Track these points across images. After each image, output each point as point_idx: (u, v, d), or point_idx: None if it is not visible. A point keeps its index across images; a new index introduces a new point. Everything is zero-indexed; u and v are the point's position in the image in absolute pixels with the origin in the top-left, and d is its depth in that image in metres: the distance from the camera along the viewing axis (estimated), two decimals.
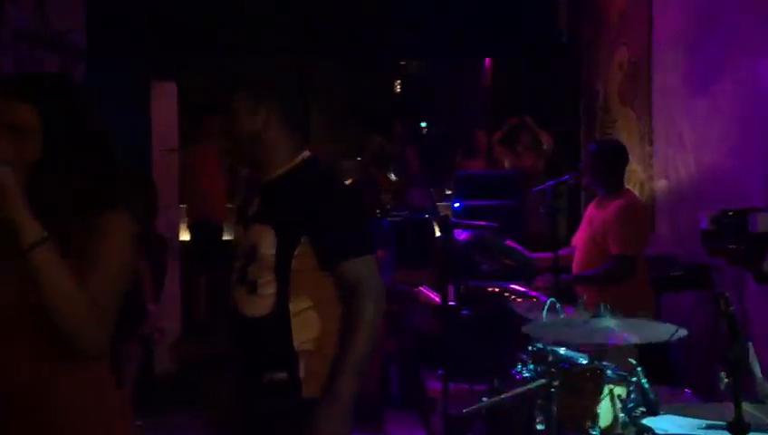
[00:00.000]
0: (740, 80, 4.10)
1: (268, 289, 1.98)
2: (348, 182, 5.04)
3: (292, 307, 1.98)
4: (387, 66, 9.42)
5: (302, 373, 1.99)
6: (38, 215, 1.47)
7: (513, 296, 3.73)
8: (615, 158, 3.96)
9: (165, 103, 6.00)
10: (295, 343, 1.98)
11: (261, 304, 1.98)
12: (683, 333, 2.06)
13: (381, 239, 4.80)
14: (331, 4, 7.13)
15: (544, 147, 6.90)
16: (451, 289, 4.19)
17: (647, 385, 2.25)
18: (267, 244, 1.96)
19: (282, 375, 1.99)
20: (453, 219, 4.38)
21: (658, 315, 4.10)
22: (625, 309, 3.22)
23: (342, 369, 1.92)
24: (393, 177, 5.50)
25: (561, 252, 4.01)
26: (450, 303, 4.08)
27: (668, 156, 4.98)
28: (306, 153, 2.08)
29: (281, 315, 1.98)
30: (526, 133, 6.99)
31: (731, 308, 1.46)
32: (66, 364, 1.55)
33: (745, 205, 3.61)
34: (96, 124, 1.66)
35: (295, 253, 1.96)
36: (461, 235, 4.39)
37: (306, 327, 2.00)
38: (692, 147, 4.66)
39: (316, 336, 2.00)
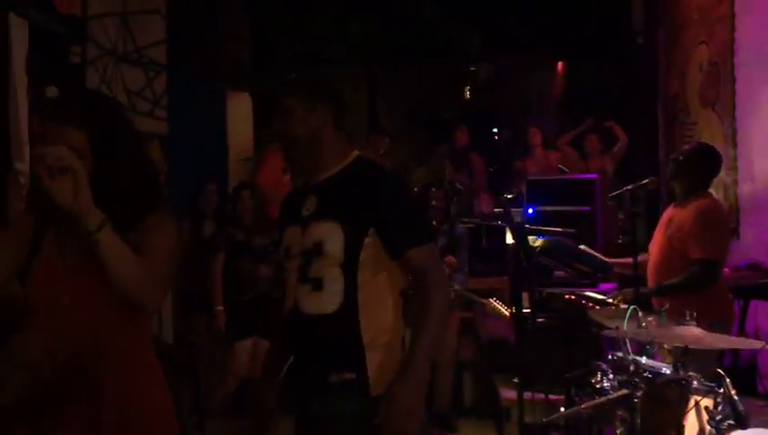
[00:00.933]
0: None
1: (336, 285, 1.99)
2: (416, 189, 5.03)
3: (361, 300, 2.00)
4: (456, 72, 9.37)
5: (370, 371, 1.99)
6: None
7: (590, 304, 3.63)
8: (711, 162, 3.75)
9: (240, 113, 6.15)
10: (365, 339, 2.00)
11: (328, 300, 1.99)
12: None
13: (452, 245, 4.77)
14: (399, 12, 7.16)
15: (615, 149, 6.73)
16: (526, 296, 4.13)
17: (735, 396, 2.15)
18: (335, 239, 1.98)
19: (350, 375, 1.99)
20: (527, 226, 4.30)
21: (743, 325, 3.94)
22: (708, 316, 3.11)
23: (417, 351, 1.96)
24: (458, 185, 5.45)
25: (640, 258, 3.88)
26: (525, 310, 4.02)
27: (754, 159, 4.78)
28: (355, 152, 2.14)
29: (350, 311, 1.99)
30: (594, 136, 6.85)
31: None
32: (125, 329, 1.78)
33: None
34: (135, 136, 1.86)
35: (363, 245, 2.00)
36: (535, 241, 4.32)
37: (376, 320, 2.02)
38: None
39: (387, 327, 2.03)
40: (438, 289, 2.01)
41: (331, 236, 1.98)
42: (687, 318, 2.13)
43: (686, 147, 3.83)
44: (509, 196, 4.09)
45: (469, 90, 10.03)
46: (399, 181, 2.21)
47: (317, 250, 1.99)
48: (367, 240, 1.99)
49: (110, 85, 4.74)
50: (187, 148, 5.38)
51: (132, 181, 1.76)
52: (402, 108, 9.04)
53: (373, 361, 2.00)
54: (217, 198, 4.96)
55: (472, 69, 9.63)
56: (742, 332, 3.98)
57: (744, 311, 3.98)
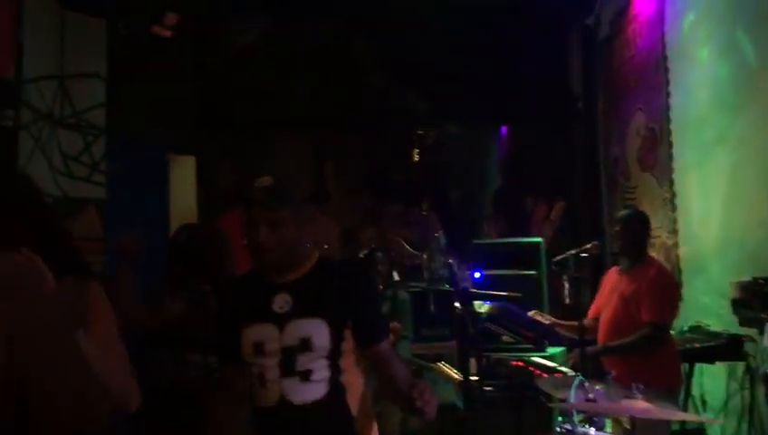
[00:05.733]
0: (763, 145, 4.03)
1: (323, 374, 2.17)
2: (362, 254, 4.97)
3: (345, 383, 2.23)
4: (404, 135, 9.48)
5: None
6: None
7: (537, 371, 3.59)
8: (641, 227, 3.91)
9: (184, 177, 6.03)
10: (353, 414, 2.30)
11: (318, 388, 2.17)
12: (719, 421, 1.92)
13: (396, 311, 4.70)
14: (347, 77, 7.23)
15: (551, 216, 6.86)
16: (473, 362, 4.07)
17: None
18: (322, 335, 2.16)
19: None
20: (473, 290, 4.28)
21: (689, 388, 3.94)
22: (656, 384, 3.10)
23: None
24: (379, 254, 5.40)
25: (586, 322, 3.90)
26: (472, 377, 3.95)
27: (693, 222, 4.88)
28: (317, 253, 2.32)
29: (337, 393, 2.21)
30: (543, 206, 6.98)
31: None
32: None
33: None
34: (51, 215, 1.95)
35: (345, 338, 2.21)
36: (481, 306, 4.29)
37: (357, 394, 2.36)
38: (717, 213, 4.56)
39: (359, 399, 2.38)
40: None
41: (318, 332, 2.16)
42: (634, 390, 2.09)
43: (621, 216, 3.98)
44: (452, 261, 4.08)
45: (418, 153, 10.16)
46: (369, 278, 2.62)
47: (305, 346, 2.16)
48: (347, 332, 2.21)
49: (45, 150, 4.59)
50: (127, 213, 5.22)
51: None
52: (351, 169, 9.07)
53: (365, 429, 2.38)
54: None
55: (420, 132, 9.77)
56: (688, 395, 3.99)
57: (690, 374, 3.99)
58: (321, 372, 2.17)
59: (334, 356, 2.19)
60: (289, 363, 2.15)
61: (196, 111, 6.44)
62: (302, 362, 2.15)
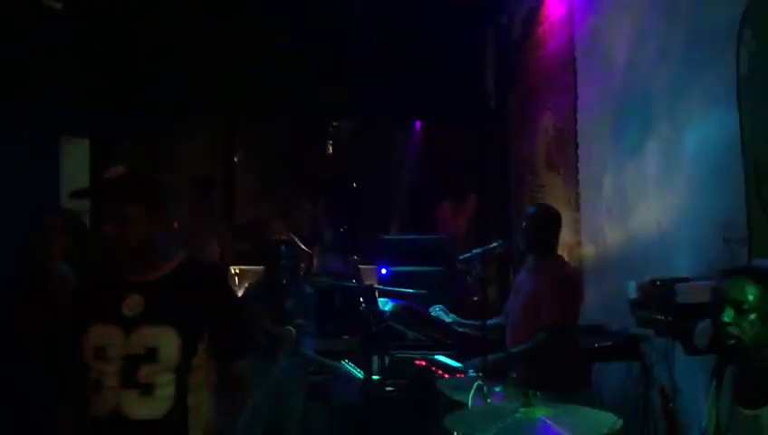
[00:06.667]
0: (664, 148, 4.11)
1: (167, 390, 1.96)
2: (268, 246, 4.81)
3: (191, 403, 2.00)
4: (319, 127, 9.35)
5: None
6: None
7: (439, 371, 3.53)
8: (548, 223, 3.82)
9: (76, 161, 5.67)
10: None
11: (157, 405, 1.95)
12: (619, 424, 1.89)
13: (300, 306, 4.57)
14: (262, 65, 7.03)
15: (467, 210, 6.91)
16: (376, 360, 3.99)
17: None
18: (170, 345, 1.95)
19: None
20: (378, 287, 4.19)
21: (592, 388, 3.96)
22: (558, 387, 3.08)
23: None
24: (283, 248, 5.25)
25: (490, 322, 3.83)
26: (374, 376, 3.87)
27: (595, 223, 4.95)
28: (182, 252, 2.10)
29: (180, 414, 1.98)
30: (447, 203, 7.00)
31: (671, 405, 1.30)
32: None
33: (674, 275, 3.54)
34: None
35: (198, 352, 2.00)
36: (386, 303, 4.20)
37: (200, 418, 2.03)
38: (619, 214, 4.64)
39: (206, 421, 2.05)
40: (245, 389, 2.23)
41: (167, 343, 1.95)
42: (530, 397, 2.03)
43: (530, 212, 3.87)
44: (356, 257, 3.97)
45: (332, 145, 10.04)
46: (230, 289, 2.28)
47: (150, 356, 1.94)
48: (200, 346, 2.01)
49: None
50: (14, 199, 4.86)
51: None
52: (265, 161, 8.86)
53: None
54: None
55: (335, 124, 9.65)
56: None
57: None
58: (166, 387, 1.94)
59: (182, 371, 1.97)
60: (130, 373, 1.93)
61: (95, 92, 6.08)
62: (145, 373, 1.93)
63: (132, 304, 1.98)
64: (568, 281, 3.71)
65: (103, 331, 1.98)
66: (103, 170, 1.99)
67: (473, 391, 2.22)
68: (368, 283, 4.50)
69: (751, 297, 2.07)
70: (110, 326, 1.97)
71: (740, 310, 2.07)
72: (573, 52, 5.32)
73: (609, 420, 1.95)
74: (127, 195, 1.95)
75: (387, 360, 4.12)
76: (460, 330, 3.81)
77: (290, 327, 4.48)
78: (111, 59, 6.11)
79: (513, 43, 6.71)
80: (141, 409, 1.93)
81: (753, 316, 2.06)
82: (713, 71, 3.59)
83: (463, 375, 3.36)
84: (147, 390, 1.93)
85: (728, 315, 2.08)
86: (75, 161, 5.67)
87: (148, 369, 1.93)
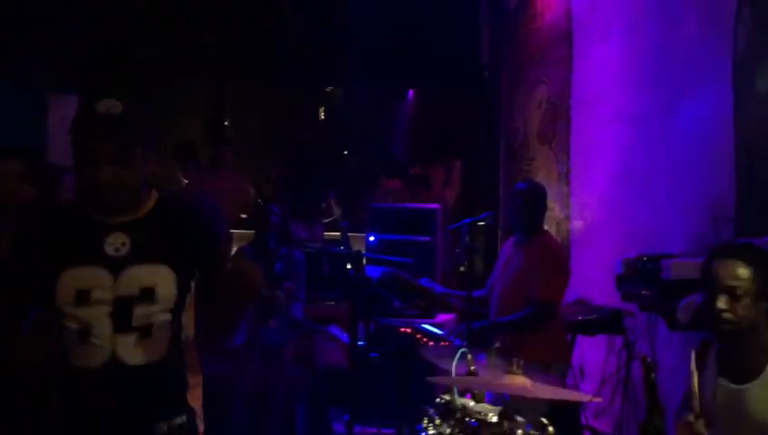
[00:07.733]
0: (658, 124, 4.11)
1: (164, 331, 1.88)
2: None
3: (185, 342, 1.97)
4: (311, 92, 9.29)
5: (197, 410, 1.99)
6: None
7: (424, 339, 3.56)
8: (539, 200, 3.88)
9: (65, 120, 5.60)
10: (188, 380, 1.98)
11: (154, 348, 1.87)
12: (598, 399, 1.92)
13: (290, 270, 4.57)
14: (255, 30, 6.95)
15: (450, 179, 6.91)
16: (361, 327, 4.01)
17: None
18: (168, 283, 1.87)
19: (181, 419, 1.92)
20: (366, 254, 4.20)
21: (569, 362, 4.01)
22: (540, 359, 3.12)
23: None
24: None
25: (476, 293, 3.88)
26: (360, 342, 3.89)
27: (585, 198, 4.96)
28: (155, 192, 1.97)
29: (176, 355, 1.93)
30: (440, 168, 6.99)
31: (652, 375, 1.32)
32: None
33: (663, 251, 3.57)
34: None
35: (191, 289, 1.95)
36: (374, 270, 4.22)
37: (191, 356, 2.03)
38: (609, 189, 4.65)
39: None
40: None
41: (164, 280, 1.87)
42: (515, 367, 2.06)
43: (521, 189, 3.91)
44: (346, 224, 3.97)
45: (324, 111, 9.97)
46: (215, 209, 2.16)
47: (145, 296, 1.85)
48: (193, 283, 1.96)
49: None
50: None
51: None
52: (254, 126, 8.81)
53: (195, 398, 2.02)
54: None
55: (327, 90, 9.58)
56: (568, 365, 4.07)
57: (571, 346, 4.07)
58: (163, 328, 1.87)
59: (178, 310, 1.89)
60: (123, 316, 1.82)
61: (86, 49, 5.99)
62: (142, 315, 1.84)
63: (116, 243, 1.85)
64: (558, 257, 3.80)
65: (84, 273, 1.83)
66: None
67: (456, 359, 2.24)
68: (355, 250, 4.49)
69: (743, 281, 2.11)
70: (91, 268, 1.83)
71: (734, 295, 2.11)
72: (570, 24, 5.28)
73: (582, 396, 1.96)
74: (130, 135, 1.80)
75: (372, 326, 4.14)
76: (446, 299, 3.84)
77: (279, 292, 4.48)
78: (100, 16, 6.01)
79: (509, 13, 6.64)
80: (140, 353, 1.84)
81: (746, 301, 2.10)
82: (710, 47, 3.58)
83: (447, 343, 3.39)
84: (145, 332, 1.84)
85: (723, 302, 2.12)
86: (63, 118, 5.60)
87: (144, 310, 1.84)
